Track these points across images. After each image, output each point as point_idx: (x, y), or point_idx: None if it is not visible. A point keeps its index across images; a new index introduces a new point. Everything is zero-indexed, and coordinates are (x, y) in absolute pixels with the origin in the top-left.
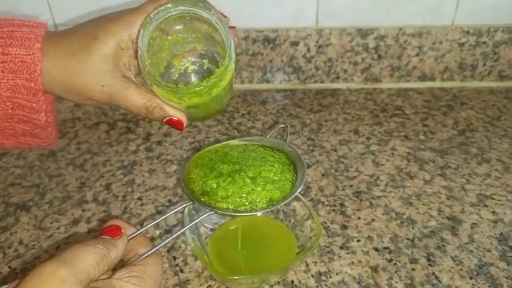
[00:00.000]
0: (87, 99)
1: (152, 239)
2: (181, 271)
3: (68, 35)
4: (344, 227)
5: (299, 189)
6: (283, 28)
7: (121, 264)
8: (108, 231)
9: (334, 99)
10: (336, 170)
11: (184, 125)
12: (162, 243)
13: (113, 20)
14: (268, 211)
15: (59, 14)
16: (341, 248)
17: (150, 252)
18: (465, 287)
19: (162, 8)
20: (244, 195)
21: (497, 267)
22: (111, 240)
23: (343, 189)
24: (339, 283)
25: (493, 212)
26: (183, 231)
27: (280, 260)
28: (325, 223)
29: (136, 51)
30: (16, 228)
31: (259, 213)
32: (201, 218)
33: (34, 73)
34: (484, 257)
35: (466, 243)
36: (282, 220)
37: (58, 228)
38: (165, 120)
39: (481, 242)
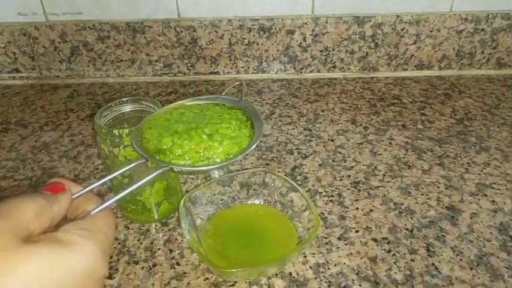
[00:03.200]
0: None
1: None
2: (178, 264)
3: None
4: (342, 217)
5: (256, 143)
6: (278, 16)
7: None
8: (49, 187)
9: (331, 89)
10: (333, 160)
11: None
12: (114, 198)
13: None
14: (226, 165)
15: (50, 4)
16: (339, 239)
17: (102, 207)
18: (465, 278)
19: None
20: (201, 151)
21: (498, 257)
22: (53, 195)
23: (341, 180)
24: (337, 274)
25: (493, 202)
26: (138, 186)
27: (279, 251)
28: (323, 214)
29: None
30: None
31: (215, 169)
32: (156, 173)
33: None
34: (484, 247)
35: (466, 233)
36: (281, 210)
37: None
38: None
39: (481, 232)
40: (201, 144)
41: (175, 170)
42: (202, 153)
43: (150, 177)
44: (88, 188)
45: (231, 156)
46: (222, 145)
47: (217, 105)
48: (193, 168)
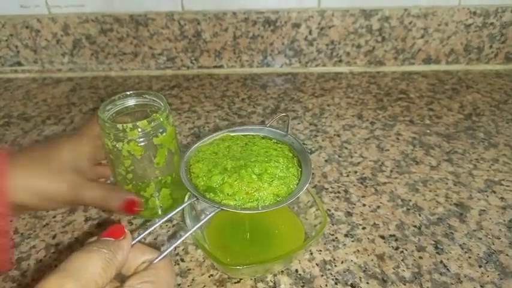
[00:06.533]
0: (55, 201)
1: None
2: (182, 260)
3: (28, 153)
4: (349, 214)
5: (306, 186)
6: (284, 9)
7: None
8: (111, 232)
9: (337, 83)
10: (339, 156)
11: (139, 206)
12: (172, 247)
13: (63, 139)
14: (275, 208)
15: None
16: (346, 235)
17: (161, 256)
18: (474, 276)
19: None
20: (251, 192)
21: (507, 255)
22: (115, 242)
23: (348, 176)
24: (344, 272)
25: (502, 198)
26: (191, 233)
27: (286, 248)
28: (330, 210)
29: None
30: (11, 217)
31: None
32: (208, 216)
33: (2, 188)
34: (493, 244)
35: (475, 231)
36: (287, 206)
37: (54, 217)
38: (123, 202)
39: (490, 229)
40: (251, 185)
41: (226, 210)
42: (252, 194)
43: (204, 220)
44: (147, 231)
45: (280, 198)
46: (272, 186)
47: (262, 138)
48: (243, 211)
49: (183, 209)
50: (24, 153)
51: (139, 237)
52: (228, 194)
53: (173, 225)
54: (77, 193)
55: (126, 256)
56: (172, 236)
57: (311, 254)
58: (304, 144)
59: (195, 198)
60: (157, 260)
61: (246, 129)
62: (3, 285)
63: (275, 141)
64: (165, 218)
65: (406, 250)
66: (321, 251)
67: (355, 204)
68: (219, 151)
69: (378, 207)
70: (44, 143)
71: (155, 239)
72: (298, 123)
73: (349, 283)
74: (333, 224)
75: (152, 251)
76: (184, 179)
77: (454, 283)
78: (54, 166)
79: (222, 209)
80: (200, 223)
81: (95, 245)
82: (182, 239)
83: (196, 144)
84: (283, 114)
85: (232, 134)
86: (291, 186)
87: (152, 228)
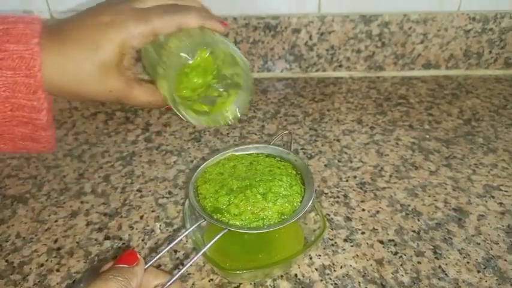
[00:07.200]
0: (93, 101)
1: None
2: (183, 265)
3: (66, 36)
4: (348, 219)
5: (309, 204)
6: (284, 15)
7: None
8: (124, 259)
9: (337, 88)
10: (339, 161)
11: None
12: (182, 270)
13: (111, 25)
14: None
15: (55, 1)
16: (345, 240)
17: (172, 280)
18: (472, 281)
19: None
20: (257, 211)
21: (505, 260)
22: (129, 269)
23: (347, 180)
24: (343, 276)
25: (500, 204)
26: (200, 255)
27: (285, 252)
28: (329, 215)
29: (138, 58)
30: (13, 221)
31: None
32: (216, 238)
33: (33, 68)
34: (492, 249)
35: (473, 236)
36: None
37: (56, 221)
38: (166, 107)
39: (488, 234)
40: (257, 205)
41: (233, 230)
42: (258, 214)
43: (213, 241)
44: (158, 256)
45: (285, 216)
46: (276, 205)
47: (266, 156)
48: (249, 231)
49: (184, 213)
50: (61, 47)
51: (152, 262)
52: (234, 214)
53: (174, 230)
54: (119, 100)
55: (140, 282)
56: (172, 241)
57: (310, 258)
58: (303, 148)
59: (203, 220)
60: (169, 284)
61: (250, 148)
62: None
63: (279, 159)
64: (175, 242)
65: (405, 255)
66: (320, 255)
67: (354, 209)
68: (225, 171)
69: (377, 212)
70: (83, 31)
71: (156, 243)
72: (298, 128)
73: None
74: (332, 229)
75: (164, 274)
76: (192, 200)
77: None
78: (98, 73)
79: (229, 229)
80: (209, 244)
81: (110, 273)
82: (191, 262)
83: (202, 166)
84: (287, 131)
85: (237, 154)
86: (295, 204)
87: (162, 252)
